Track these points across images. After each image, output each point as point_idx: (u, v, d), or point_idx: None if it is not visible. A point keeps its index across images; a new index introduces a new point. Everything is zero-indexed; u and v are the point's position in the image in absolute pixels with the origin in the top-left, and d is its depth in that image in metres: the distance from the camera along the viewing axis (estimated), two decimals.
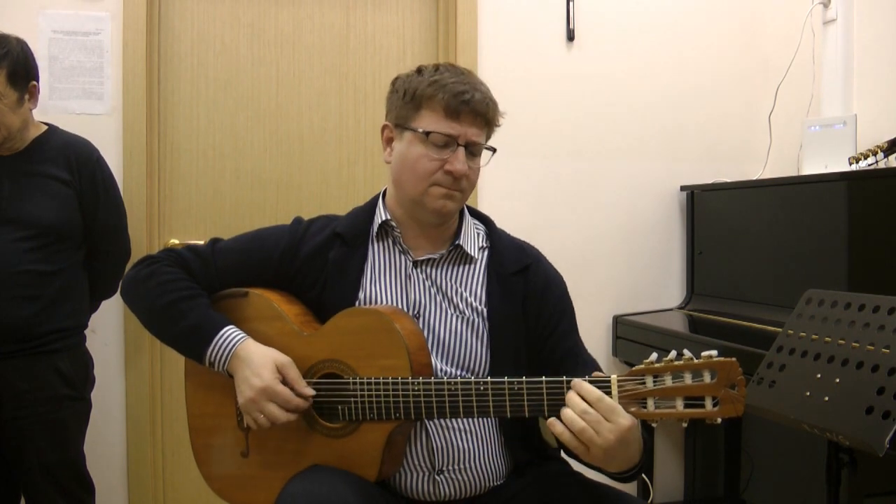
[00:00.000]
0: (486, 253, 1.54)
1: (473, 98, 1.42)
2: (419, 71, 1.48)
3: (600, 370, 1.45)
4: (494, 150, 1.51)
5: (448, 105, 1.41)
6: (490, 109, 1.45)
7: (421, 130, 1.43)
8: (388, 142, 1.51)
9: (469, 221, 1.56)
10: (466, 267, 1.52)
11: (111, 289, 2.28)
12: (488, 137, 1.49)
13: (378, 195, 1.57)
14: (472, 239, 1.54)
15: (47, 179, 2.06)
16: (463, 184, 1.44)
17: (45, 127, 2.15)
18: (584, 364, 1.47)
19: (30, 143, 2.08)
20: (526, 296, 1.50)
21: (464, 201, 1.50)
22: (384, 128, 1.52)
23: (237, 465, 1.47)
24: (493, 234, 1.57)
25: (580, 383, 1.22)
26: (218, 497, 1.52)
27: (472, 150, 1.45)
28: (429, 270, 1.50)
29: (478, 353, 1.46)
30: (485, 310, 1.48)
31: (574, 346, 1.52)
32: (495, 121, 1.48)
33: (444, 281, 1.49)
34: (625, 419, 1.19)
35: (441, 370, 1.44)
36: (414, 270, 1.50)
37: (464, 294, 1.49)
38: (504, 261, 1.52)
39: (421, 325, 1.45)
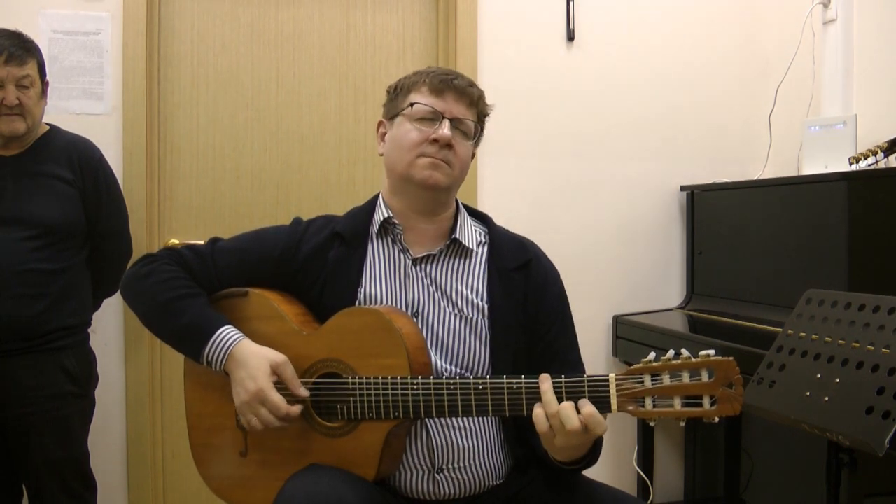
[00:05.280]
0: (485, 248, 1.54)
1: (457, 78, 1.49)
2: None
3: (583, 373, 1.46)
4: (481, 131, 1.53)
5: (432, 85, 1.48)
6: (475, 92, 1.50)
7: (407, 104, 1.48)
8: (382, 136, 1.56)
9: (466, 217, 1.57)
10: (466, 262, 1.52)
11: (113, 287, 2.28)
12: (479, 123, 1.52)
13: (377, 195, 1.57)
14: (470, 233, 1.54)
15: (51, 179, 2.06)
16: (449, 155, 1.46)
17: (48, 127, 2.16)
18: (571, 369, 1.46)
19: (33, 143, 2.09)
20: (527, 292, 1.51)
21: (453, 179, 1.48)
22: (379, 124, 1.57)
23: (236, 465, 1.47)
24: (492, 231, 1.57)
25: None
26: (217, 497, 1.52)
27: (460, 128, 1.48)
28: (428, 268, 1.50)
29: (477, 352, 1.46)
30: (486, 306, 1.48)
31: (562, 350, 1.52)
32: (481, 106, 1.52)
33: (443, 278, 1.50)
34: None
35: (442, 367, 1.44)
36: (413, 269, 1.50)
37: (464, 291, 1.49)
38: (505, 256, 1.53)
39: (419, 324, 1.45)
